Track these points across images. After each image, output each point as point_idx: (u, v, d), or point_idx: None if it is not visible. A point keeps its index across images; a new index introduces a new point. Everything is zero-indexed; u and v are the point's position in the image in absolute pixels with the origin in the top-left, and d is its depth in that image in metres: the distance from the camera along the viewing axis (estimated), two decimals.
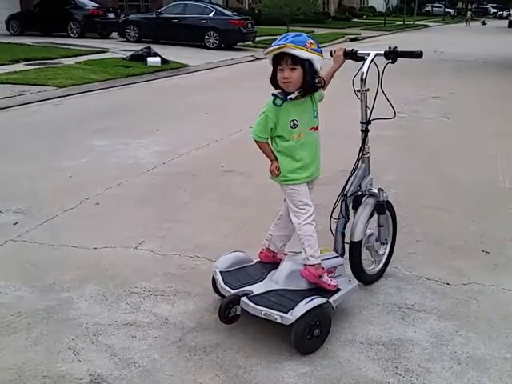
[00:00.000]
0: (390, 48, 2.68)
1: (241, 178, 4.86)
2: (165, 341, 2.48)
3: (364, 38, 24.46)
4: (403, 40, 23.72)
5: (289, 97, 2.41)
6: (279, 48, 2.34)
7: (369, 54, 2.71)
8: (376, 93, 2.68)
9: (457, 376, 2.29)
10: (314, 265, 2.54)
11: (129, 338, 2.49)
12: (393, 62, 2.69)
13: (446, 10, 69.75)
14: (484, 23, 50.85)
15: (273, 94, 2.47)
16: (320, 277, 2.54)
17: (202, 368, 2.31)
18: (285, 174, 2.52)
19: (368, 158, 2.81)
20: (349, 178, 2.77)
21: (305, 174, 2.53)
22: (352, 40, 22.33)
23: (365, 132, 2.76)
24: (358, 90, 2.71)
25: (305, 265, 2.56)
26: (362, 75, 2.67)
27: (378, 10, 54.59)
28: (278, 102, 2.43)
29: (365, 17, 47.70)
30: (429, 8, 73.06)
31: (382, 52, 2.69)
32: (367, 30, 30.47)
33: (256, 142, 2.52)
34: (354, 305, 2.79)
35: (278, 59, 2.38)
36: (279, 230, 2.76)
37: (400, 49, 2.70)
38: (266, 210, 4.03)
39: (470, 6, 69.30)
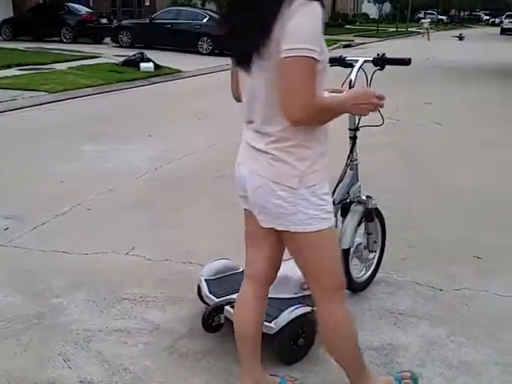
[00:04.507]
0: (378, 55, 2.68)
1: (233, 183, 4.84)
2: (156, 347, 2.47)
3: (357, 45, 24.57)
4: (396, 47, 23.86)
5: None
6: None
7: (357, 61, 2.70)
8: None
9: (448, 381, 2.29)
10: None
11: (120, 345, 2.47)
12: (381, 69, 2.67)
13: (439, 17, 70.27)
14: (461, 37, 33.09)
15: None
16: None
17: (194, 374, 2.30)
18: None
19: (356, 164, 2.79)
20: (336, 186, 2.75)
21: None
22: (345, 46, 22.39)
23: (353, 139, 2.75)
24: None
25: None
26: (351, 82, 2.66)
27: (371, 16, 54.85)
28: None
29: (358, 23, 47.91)
30: (422, 15, 73.52)
31: (371, 58, 2.68)
32: (360, 37, 30.58)
33: None
34: None
35: None
36: None
37: (389, 55, 2.70)
38: None
39: (424, 14, 48.32)
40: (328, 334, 1.94)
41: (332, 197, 2.73)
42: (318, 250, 1.81)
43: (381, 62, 2.66)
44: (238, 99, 1.94)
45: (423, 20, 35.73)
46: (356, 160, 2.79)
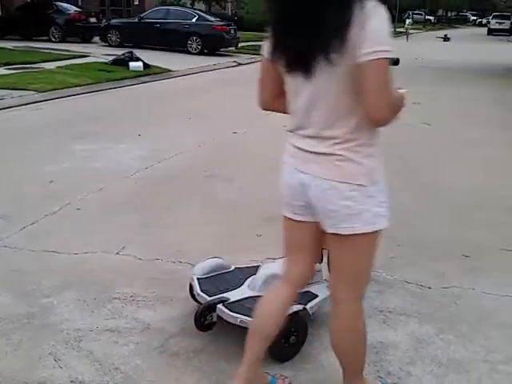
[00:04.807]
0: None
1: (224, 182, 4.86)
2: (147, 346, 2.47)
3: None
4: None
5: None
6: None
7: None
8: None
9: (437, 379, 2.32)
10: None
11: (110, 344, 2.47)
12: None
13: (427, 17, 70.63)
14: (446, 39, 33.12)
15: None
16: None
17: (185, 373, 2.30)
18: None
19: None
20: None
21: None
22: None
23: None
24: None
25: None
26: None
27: None
28: None
29: None
30: (407, 15, 73.67)
31: None
32: None
33: None
34: None
35: None
36: None
37: None
38: (249, 214, 4.05)
39: (409, 13, 47.65)
40: (342, 329, 1.95)
41: None
42: (371, 248, 1.83)
43: None
44: (267, 107, 1.89)
45: (406, 20, 35.24)
46: None
